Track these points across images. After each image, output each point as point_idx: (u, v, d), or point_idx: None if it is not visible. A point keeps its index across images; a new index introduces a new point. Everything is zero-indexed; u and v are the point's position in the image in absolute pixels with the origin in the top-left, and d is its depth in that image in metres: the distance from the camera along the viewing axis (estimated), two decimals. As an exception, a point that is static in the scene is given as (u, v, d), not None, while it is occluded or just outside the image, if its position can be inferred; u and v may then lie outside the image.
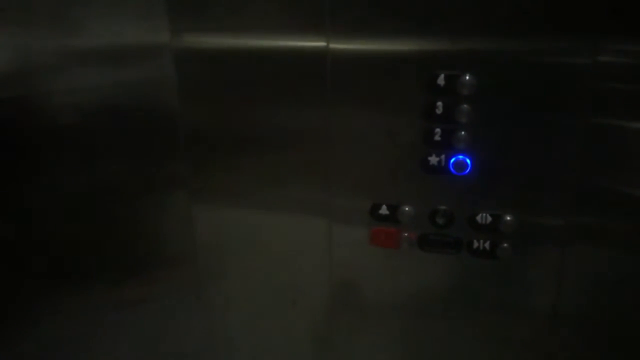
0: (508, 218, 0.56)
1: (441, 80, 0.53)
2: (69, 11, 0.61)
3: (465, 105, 0.53)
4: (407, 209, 0.58)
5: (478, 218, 0.57)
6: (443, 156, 0.56)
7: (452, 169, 0.56)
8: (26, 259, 0.73)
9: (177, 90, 0.62)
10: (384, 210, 0.59)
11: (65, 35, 0.62)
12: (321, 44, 0.56)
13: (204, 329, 0.71)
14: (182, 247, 0.68)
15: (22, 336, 0.76)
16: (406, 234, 0.59)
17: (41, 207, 0.70)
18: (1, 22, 0.62)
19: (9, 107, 0.66)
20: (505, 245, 0.57)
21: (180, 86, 0.62)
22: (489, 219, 0.56)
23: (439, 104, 0.54)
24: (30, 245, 0.72)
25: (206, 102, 0.62)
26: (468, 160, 0.55)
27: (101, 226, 0.70)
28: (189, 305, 0.71)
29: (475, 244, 0.58)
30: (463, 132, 0.54)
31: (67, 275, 0.73)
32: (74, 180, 0.69)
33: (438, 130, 0.55)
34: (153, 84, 0.63)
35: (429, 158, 0.56)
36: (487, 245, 0.57)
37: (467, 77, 0.52)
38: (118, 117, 0.64)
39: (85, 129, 0.65)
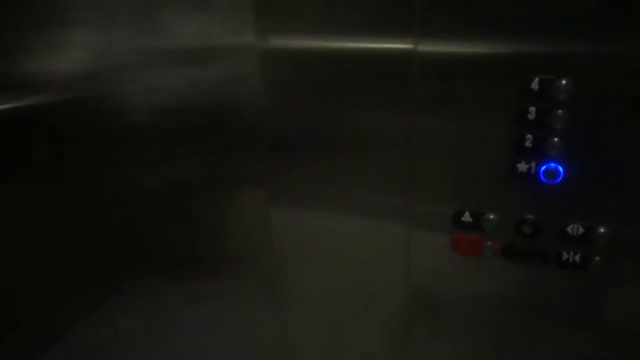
0: (602, 230, 0.53)
1: (535, 85, 0.51)
2: (153, 12, 0.63)
3: (560, 111, 0.51)
4: (491, 216, 0.57)
5: (569, 229, 0.54)
6: (533, 163, 0.54)
7: (542, 177, 0.54)
8: (105, 254, 0.75)
9: (261, 91, 0.62)
10: (466, 217, 0.58)
11: (148, 36, 0.64)
12: (409, 46, 0.55)
13: (275, 329, 0.72)
14: (258, 247, 0.69)
15: (97, 329, 0.78)
16: (489, 243, 0.58)
17: (121, 203, 0.72)
18: (85, 22, 0.64)
19: (92, 105, 0.68)
20: (598, 258, 0.54)
21: (263, 87, 0.62)
22: (581, 230, 0.54)
23: (532, 109, 0.52)
24: (108, 241, 0.74)
25: (289, 104, 0.62)
26: (560, 168, 0.53)
27: (179, 223, 0.71)
28: (262, 304, 0.71)
29: (565, 256, 0.55)
30: (556, 139, 0.52)
31: (145, 269, 0.75)
32: (153, 177, 0.70)
33: (529, 136, 0.53)
34: (237, 84, 0.63)
35: (518, 165, 0.54)
36: (577, 257, 0.55)
37: (564, 82, 0.50)
38: (200, 117, 0.66)
39: (167, 128, 0.67)
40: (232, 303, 0.73)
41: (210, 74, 0.64)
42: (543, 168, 0.53)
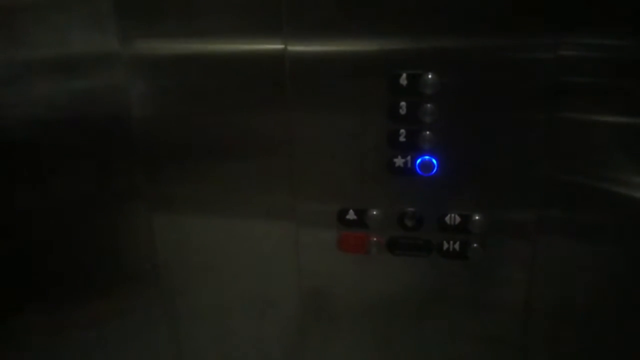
0: (477, 217, 0.55)
1: (403, 80, 0.52)
2: (13, 20, 0.58)
3: (429, 105, 0.52)
4: (375, 212, 0.57)
5: (447, 219, 0.56)
6: (409, 157, 0.54)
7: (418, 170, 0.55)
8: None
9: (130, 99, 0.59)
10: (351, 215, 0.58)
11: (10, 45, 0.59)
12: (279, 46, 0.54)
13: (172, 343, 0.69)
14: (144, 261, 0.66)
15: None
16: (375, 239, 0.58)
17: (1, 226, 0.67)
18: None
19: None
20: (475, 245, 0.56)
21: (133, 94, 0.59)
22: (458, 219, 0.56)
23: (403, 104, 0.53)
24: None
25: (161, 110, 0.59)
26: (434, 161, 0.54)
27: (59, 244, 0.67)
28: (156, 320, 0.68)
29: (446, 245, 0.57)
30: (428, 132, 0.53)
31: (30, 295, 0.70)
32: (26, 195, 0.66)
33: (403, 131, 0.54)
34: (105, 92, 0.60)
35: (395, 159, 0.55)
36: (457, 246, 0.57)
37: (430, 76, 0.51)
38: (70, 129, 0.62)
39: (36, 141, 0.63)
40: (125, 322, 0.69)
41: (79, 84, 0.60)
42: (418, 161, 0.54)
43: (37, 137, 0.63)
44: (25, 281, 0.70)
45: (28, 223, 0.67)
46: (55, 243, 0.67)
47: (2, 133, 0.63)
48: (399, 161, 0.55)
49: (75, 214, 0.66)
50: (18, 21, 0.58)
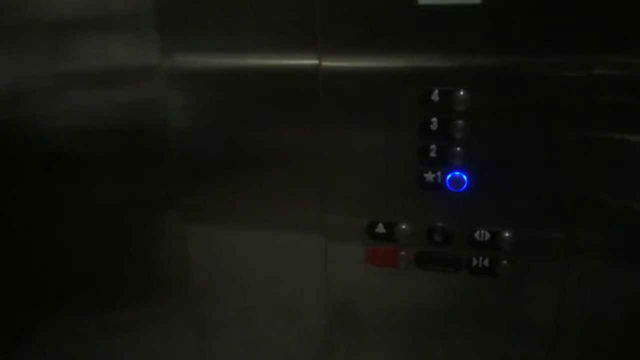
0: (507, 234, 0.55)
1: (435, 96, 0.52)
2: (59, 34, 0.60)
3: (460, 121, 0.52)
4: (404, 227, 0.57)
5: (476, 235, 0.56)
6: (439, 172, 0.55)
7: (448, 186, 0.55)
8: (22, 285, 0.72)
9: (169, 111, 0.61)
10: (380, 228, 0.58)
11: (55, 59, 0.62)
12: (313, 61, 0.55)
13: (199, 351, 0.70)
14: (176, 269, 0.67)
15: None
16: (403, 253, 0.58)
17: (35, 232, 0.69)
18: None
19: (2, 130, 0.65)
20: (505, 262, 0.56)
21: (171, 107, 0.61)
22: (488, 235, 0.55)
23: (434, 119, 0.53)
24: (25, 272, 0.71)
25: (197, 123, 0.61)
26: (464, 177, 0.54)
27: (96, 250, 0.69)
28: (184, 327, 0.69)
29: (475, 262, 0.57)
30: (459, 148, 0.53)
31: (64, 300, 0.72)
32: (66, 204, 0.68)
33: (433, 146, 0.54)
34: (144, 105, 0.62)
35: (425, 175, 0.55)
36: (486, 262, 0.56)
37: (462, 93, 0.51)
38: (109, 140, 0.64)
39: (77, 152, 0.65)
40: (154, 330, 0.70)
41: (120, 96, 0.62)
42: (449, 177, 0.55)
43: (78, 148, 0.65)
44: (58, 286, 0.71)
45: (65, 229, 0.69)
46: (90, 249, 0.69)
47: (46, 143, 0.65)
48: (429, 176, 0.55)
49: (112, 222, 0.67)
50: (62, 35, 0.61)
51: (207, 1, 0.56)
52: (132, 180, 0.65)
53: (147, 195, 0.66)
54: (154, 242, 0.68)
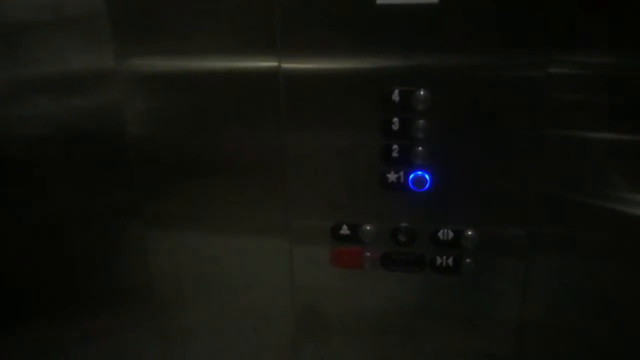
0: (469, 233, 0.55)
1: (396, 96, 0.52)
2: (12, 38, 0.59)
3: (421, 121, 0.52)
4: (368, 227, 0.57)
5: (440, 234, 0.56)
6: (402, 172, 0.55)
7: (411, 185, 0.55)
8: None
9: (127, 116, 0.59)
10: (344, 230, 0.58)
11: (9, 63, 0.60)
12: (273, 63, 0.54)
13: (165, 361, 0.69)
14: (139, 278, 0.66)
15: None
16: (368, 254, 0.58)
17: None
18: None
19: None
20: (469, 260, 0.56)
21: (129, 111, 0.59)
22: (451, 234, 0.56)
23: (395, 120, 0.53)
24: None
25: (156, 127, 0.60)
26: (427, 176, 0.54)
27: (53, 260, 0.66)
28: (149, 336, 0.68)
29: (439, 261, 0.57)
30: (420, 148, 0.54)
31: (24, 312, 0.70)
32: (23, 212, 0.66)
33: (395, 146, 0.54)
34: (101, 110, 0.60)
35: (388, 175, 0.55)
36: (450, 261, 0.57)
37: (422, 92, 0.52)
38: (66, 146, 0.62)
39: (33, 159, 0.63)
40: (120, 341, 0.69)
41: (76, 101, 0.60)
42: (411, 176, 0.55)
43: (34, 154, 0.63)
44: (16, 297, 0.69)
45: (21, 238, 0.67)
46: (50, 259, 0.67)
47: (2, 148, 0.63)
48: (391, 177, 0.55)
49: (71, 231, 0.65)
50: (17, 39, 0.59)
51: (163, 4, 0.55)
52: (91, 187, 0.64)
53: (107, 203, 0.64)
54: (115, 251, 0.66)
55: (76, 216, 0.65)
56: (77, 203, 0.65)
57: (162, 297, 0.66)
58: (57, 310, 0.69)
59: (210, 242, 0.63)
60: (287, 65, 0.54)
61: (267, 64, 0.55)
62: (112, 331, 0.69)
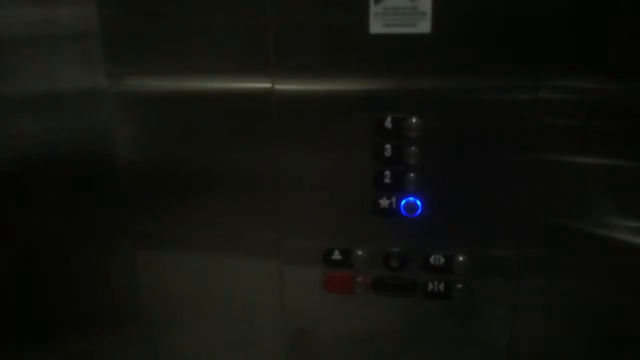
0: (461, 258, 0.55)
1: (388, 123, 0.52)
2: (1, 55, 0.58)
3: (413, 147, 0.53)
4: (360, 253, 0.57)
5: (431, 259, 0.56)
6: (394, 198, 0.55)
7: (403, 211, 0.55)
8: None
9: (117, 135, 0.59)
10: (336, 255, 0.58)
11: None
12: (266, 85, 0.54)
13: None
14: (127, 300, 0.65)
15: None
16: (360, 279, 0.58)
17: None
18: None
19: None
20: (460, 285, 0.56)
21: (119, 131, 0.59)
22: (442, 260, 0.56)
23: (387, 146, 0.53)
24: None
25: (147, 147, 0.59)
26: (419, 202, 0.54)
27: (41, 281, 0.66)
28: (137, 358, 0.67)
29: (430, 286, 0.57)
30: (412, 174, 0.54)
31: (12, 334, 0.68)
32: (11, 231, 0.64)
33: (387, 172, 0.54)
34: (91, 129, 0.60)
35: (380, 200, 0.55)
36: (441, 286, 0.57)
37: (414, 120, 0.52)
38: (55, 164, 0.61)
39: (20, 177, 0.62)
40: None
41: (67, 120, 0.60)
42: (403, 202, 0.55)
43: (22, 173, 0.62)
44: (4, 319, 0.68)
45: (8, 259, 0.66)
46: (37, 280, 0.66)
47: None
48: (384, 202, 0.55)
49: (58, 252, 0.65)
50: (6, 56, 0.58)
51: (156, 25, 0.55)
52: (80, 207, 0.63)
53: (95, 223, 0.63)
54: (103, 272, 0.65)
55: (65, 237, 0.64)
56: (65, 224, 0.64)
57: (151, 318, 0.65)
58: (44, 331, 0.68)
59: (200, 262, 0.62)
60: (281, 87, 0.54)
61: (260, 85, 0.54)
62: (101, 352, 0.68)
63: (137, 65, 0.57)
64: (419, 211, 0.55)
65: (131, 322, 0.66)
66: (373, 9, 0.49)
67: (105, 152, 0.60)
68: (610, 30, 0.48)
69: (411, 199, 0.54)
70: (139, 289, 0.64)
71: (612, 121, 0.51)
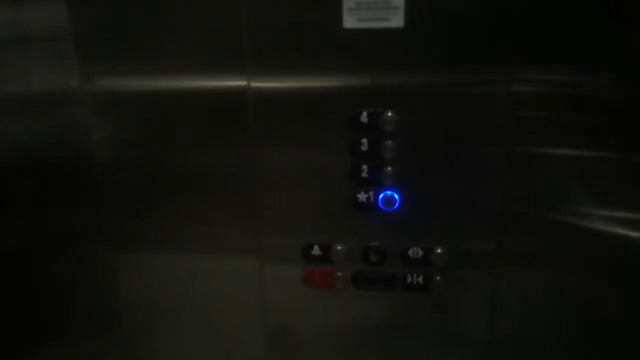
0: (439, 250, 0.56)
1: (364, 118, 0.53)
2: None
3: (389, 142, 0.53)
4: (339, 247, 0.57)
5: (410, 252, 0.57)
6: (371, 192, 0.55)
7: (381, 205, 0.55)
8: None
9: (92, 136, 0.58)
10: (316, 250, 0.58)
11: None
12: (242, 83, 0.54)
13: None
14: (107, 303, 0.64)
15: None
16: (340, 274, 0.58)
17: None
18: None
19: None
20: (438, 277, 0.57)
21: (95, 132, 0.58)
22: (421, 252, 0.56)
23: (364, 140, 0.54)
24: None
25: (123, 148, 0.59)
26: (396, 196, 0.55)
27: (19, 285, 0.64)
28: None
29: (409, 279, 0.57)
30: (389, 168, 0.54)
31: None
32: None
33: (365, 167, 0.54)
34: (66, 131, 0.59)
35: (358, 195, 0.55)
36: (420, 279, 0.57)
37: (390, 114, 0.52)
38: (30, 167, 0.60)
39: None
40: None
41: (39, 122, 0.59)
42: (381, 196, 0.55)
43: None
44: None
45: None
46: (15, 285, 0.65)
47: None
48: (361, 197, 0.55)
49: (35, 256, 0.64)
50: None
51: (129, 23, 0.54)
52: (57, 210, 0.62)
53: (73, 226, 0.62)
54: (82, 276, 0.64)
55: (43, 239, 0.63)
56: (42, 227, 0.63)
57: (131, 319, 0.65)
58: (23, 335, 0.67)
59: (180, 263, 0.62)
60: (256, 84, 0.54)
61: (236, 83, 0.54)
62: (79, 356, 0.67)
63: (110, 65, 0.56)
64: (396, 205, 0.55)
65: (111, 324, 0.65)
66: (347, 3, 0.50)
67: (79, 153, 0.59)
68: (581, 23, 0.49)
69: (388, 192, 0.55)
70: (117, 291, 0.63)
71: (584, 113, 0.52)
